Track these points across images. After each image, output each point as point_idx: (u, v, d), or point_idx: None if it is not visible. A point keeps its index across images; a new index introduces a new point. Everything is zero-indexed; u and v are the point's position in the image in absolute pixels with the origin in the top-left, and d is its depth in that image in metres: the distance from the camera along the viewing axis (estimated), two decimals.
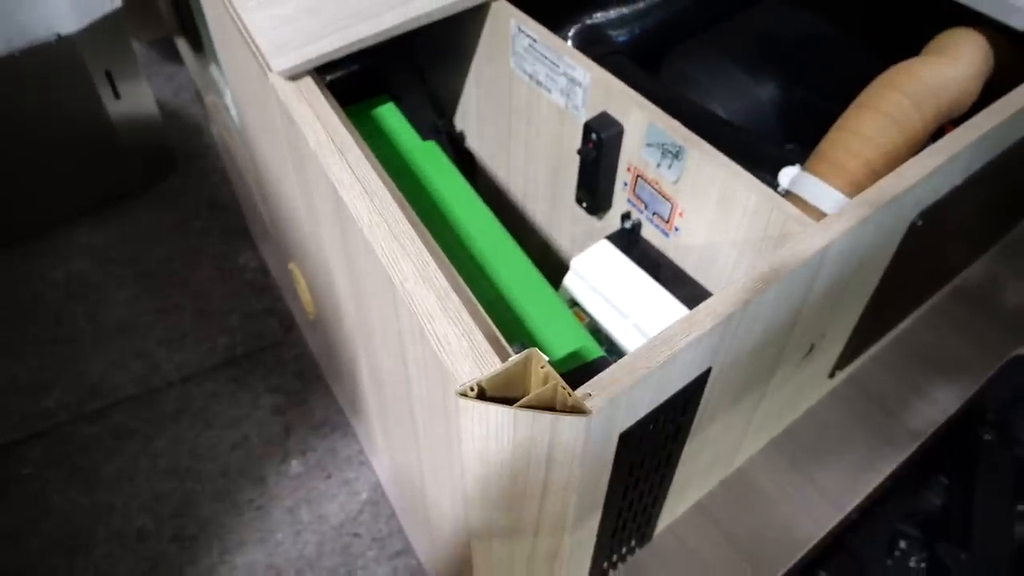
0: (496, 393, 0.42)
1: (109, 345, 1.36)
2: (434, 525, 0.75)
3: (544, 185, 0.86)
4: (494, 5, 0.78)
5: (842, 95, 0.72)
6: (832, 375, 0.82)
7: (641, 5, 0.97)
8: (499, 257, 0.74)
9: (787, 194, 0.69)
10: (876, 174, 0.65)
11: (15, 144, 1.37)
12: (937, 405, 0.85)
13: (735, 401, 0.62)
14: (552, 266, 0.79)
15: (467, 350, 0.46)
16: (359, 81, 0.90)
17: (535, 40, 0.74)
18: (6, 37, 1.25)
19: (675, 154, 0.64)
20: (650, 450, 0.54)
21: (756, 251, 0.62)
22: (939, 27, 0.78)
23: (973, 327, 0.92)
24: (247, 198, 1.31)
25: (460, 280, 0.52)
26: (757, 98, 0.94)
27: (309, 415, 1.27)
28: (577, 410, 0.41)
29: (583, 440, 0.43)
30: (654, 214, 0.71)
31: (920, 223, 0.63)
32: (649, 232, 0.73)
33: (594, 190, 0.75)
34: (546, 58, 0.74)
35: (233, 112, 1.09)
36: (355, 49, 0.69)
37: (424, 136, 0.86)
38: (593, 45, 0.91)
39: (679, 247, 0.70)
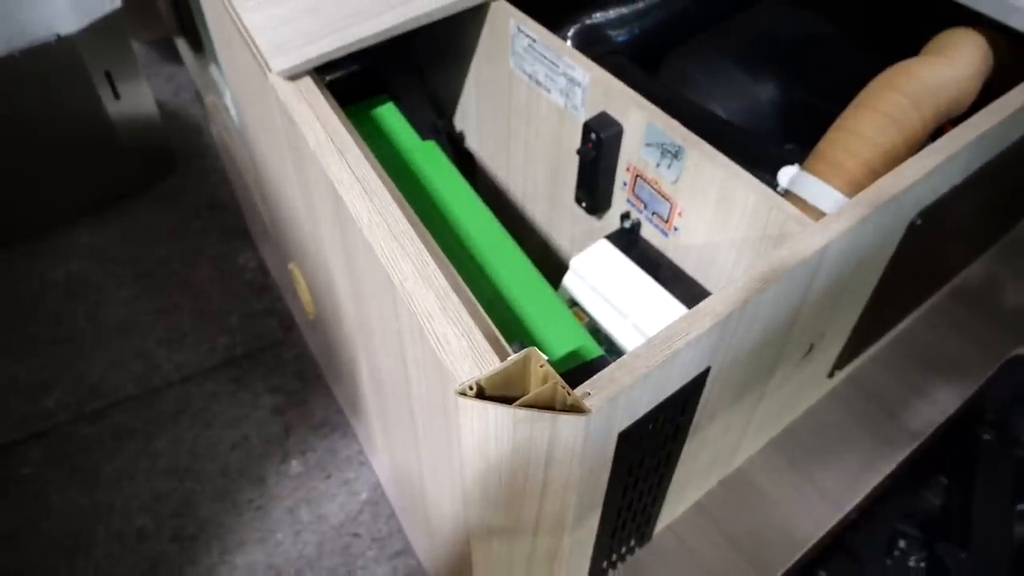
0: (495, 392, 0.42)
1: (109, 345, 1.36)
2: (434, 525, 0.75)
3: (543, 185, 0.86)
4: (494, 5, 0.78)
5: (842, 95, 0.72)
6: (831, 375, 0.82)
7: (641, 5, 0.97)
8: (498, 257, 0.74)
9: (786, 194, 0.69)
10: (875, 174, 0.65)
11: (15, 144, 1.38)
12: (936, 405, 0.85)
13: (734, 401, 0.62)
14: (552, 266, 0.79)
15: (466, 349, 0.46)
16: (359, 81, 0.90)
17: (534, 40, 0.74)
18: (6, 37, 1.25)
19: (674, 154, 0.64)
20: (649, 449, 0.54)
21: (755, 251, 0.62)
22: (938, 27, 0.78)
23: (973, 327, 0.92)
24: (247, 198, 1.31)
25: (459, 280, 0.52)
26: (756, 98, 0.94)
27: (309, 415, 1.27)
28: (576, 409, 0.41)
29: (582, 439, 0.43)
30: (653, 214, 0.71)
31: (919, 223, 0.63)
32: (648, 232, 0.73)
33: (593, 190, 0.75)
34: (545, 58, 0.74)
35: (233, 112, 1.09)
36: (355, 49, 0.69)
37: (424, 136, 0.86)
38: (592, 45, 0.91)
39: (678, 247, 0.70)
